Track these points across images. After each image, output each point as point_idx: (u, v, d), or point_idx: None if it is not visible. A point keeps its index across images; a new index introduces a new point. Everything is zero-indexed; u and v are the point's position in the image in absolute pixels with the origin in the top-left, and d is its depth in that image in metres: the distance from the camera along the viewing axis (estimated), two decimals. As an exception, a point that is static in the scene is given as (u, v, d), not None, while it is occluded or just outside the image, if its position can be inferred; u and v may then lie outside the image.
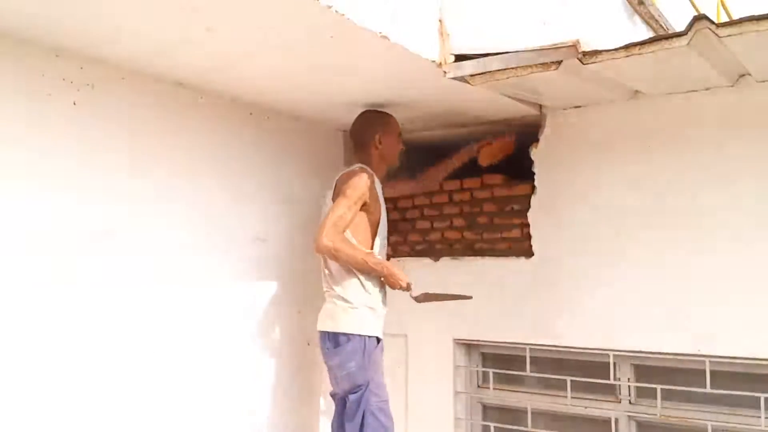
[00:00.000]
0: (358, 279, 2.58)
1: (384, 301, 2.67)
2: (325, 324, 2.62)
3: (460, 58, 2.30)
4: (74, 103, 2.18)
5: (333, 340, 2.57)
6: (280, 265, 3.00)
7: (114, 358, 2.28)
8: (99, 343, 2.23)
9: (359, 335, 2.54)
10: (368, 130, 2.78)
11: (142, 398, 2.37)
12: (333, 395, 2.72)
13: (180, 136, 2.54)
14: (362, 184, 2.58)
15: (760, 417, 2.41)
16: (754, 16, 1.79)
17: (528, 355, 2.94)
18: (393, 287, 2.60)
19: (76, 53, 2.15)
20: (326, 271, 2.66)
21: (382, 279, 2.60)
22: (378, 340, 2.61)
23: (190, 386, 2.55)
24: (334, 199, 2.60)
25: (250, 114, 2.87)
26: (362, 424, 2.50)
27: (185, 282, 2.55)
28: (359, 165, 2.70)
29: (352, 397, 2.54)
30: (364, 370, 2.53)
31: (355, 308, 2.57)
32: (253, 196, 2.88)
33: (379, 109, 2.85)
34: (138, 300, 2.36)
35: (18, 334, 2.02)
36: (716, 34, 1.86)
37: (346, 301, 2.58)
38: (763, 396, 2.41)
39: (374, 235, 2.66)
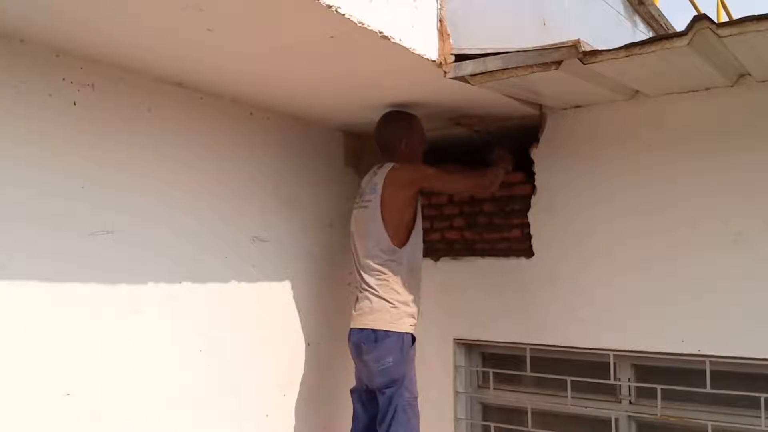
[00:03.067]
0: (394, 278, 2.66)
1: (418, 300, 2.75)
2: (363, 321, 2.68)
3: (460, 58, 2.30)
4: (74, 103, 2.18)
5: (372, 335, 2.64)
6: (280, 265, 2.99)
7: (113, 359, 2.28)
8: (99, 344, 2.23)
9: (398, 332, 2.63)
10: (394, 134, 2.81)
11: (140, 399, 2.37)
12: (356, 391, 2.81)
13: (180, 136, 2.54)
14: (424, 165, 2.80)
15: (760, 417, 2.41)
16: (754, 16, 1.79)
17: (528, 355, 2.94)
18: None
19: (76, 53, 2.15)
20: (360, 271, 2.74)
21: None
22: (413, 338, 2.69)
23: (189, 387, 2.55)
24: (384, 201, 2.65)
25: (250, 114, 2.87)
26: (393, 419, 2.59)
27: (185, 282, 2.54)
28: (398, 163, 2.75)
29: (387, 391, 2.62)
30: (400, 365, 2.61)
31: (395, 306, 2.64)
32: (253, 196, 2.87)
33: (403, 110, 2.84)
34: (137, 300, 2.36)
35: (18, 333, 2.02)
36: (716, 34, 1.86)
37: (384, 299, 2.65)
38: (763, 396, 2.42)
39: (411, 229, 2.72)
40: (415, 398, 2.69)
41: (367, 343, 2.65)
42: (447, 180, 2.80)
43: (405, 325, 2.65)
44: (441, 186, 2.82)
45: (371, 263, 2.68)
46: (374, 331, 2.63)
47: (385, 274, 2.66)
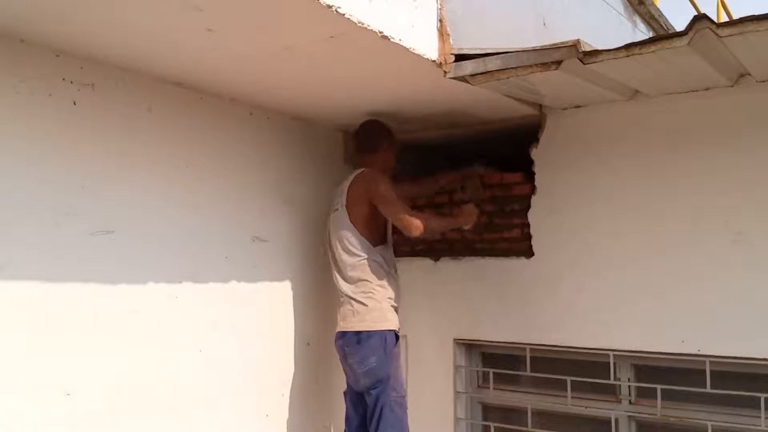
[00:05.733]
0: (372, 277, 2.70)
1: (398, 296, 2.80)
2: (345, 325, 2.73)
3: (460, 58, 2.30)
4: (74, 103, 2.18)
5: (355, 337, 2.68)
6: (280, 265, 2.99)
7: (113, 359, 2.28)
8: (99, 344, 2.23)
9: (379, 330, 2.66)
10: (379, 138, 2.90)
11: (140, 399, 2.37)
12: (347, 392, 2.83)
13: (180, 136, 2.54)
14: (388, 183, 2.73)
15: (760, 417, 2.41)
16: (754, 16, 1.79)
17: (528, 355, 2.94)
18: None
19: (76, 53, 2.15)
20: (338, 275, 2.79)
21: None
22: (396, 335, 2.73)
23: (189, 387, 2.55)
24: (348, 203, 2.72)
25: (250, 114, 2.87)
26: (380, 418, 2.60)
27: (185, 282, 2.54)
28: (368, 169, 2.81)
29: (373, 392, 2.65)
30: (384, 365, 2.64)
31: (375, 306, 2.68)
32: (253, 195, 2.87)
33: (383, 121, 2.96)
34: (137, 300, 2.36)
35: (18, 333, 2.02)
36: (716, 34, 1.86)
37: (362, 302, 2.69)
38: (763, 396, 2.42)
39: (383, 228, 2.82)
40: (403, 396, 2.72)
41: (350, 345, 2.69)
42: (390, 208, 2.69)
43: (388, 323, 2.69)
44: (383, 210, 2.72)
45: (348, 266, 2.73)
46: (357, 333, 2.68)
47: (362, 274, 2.71)
